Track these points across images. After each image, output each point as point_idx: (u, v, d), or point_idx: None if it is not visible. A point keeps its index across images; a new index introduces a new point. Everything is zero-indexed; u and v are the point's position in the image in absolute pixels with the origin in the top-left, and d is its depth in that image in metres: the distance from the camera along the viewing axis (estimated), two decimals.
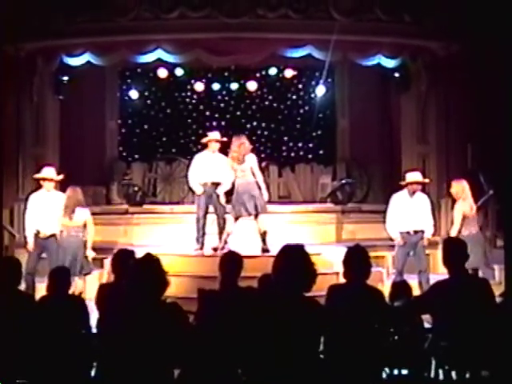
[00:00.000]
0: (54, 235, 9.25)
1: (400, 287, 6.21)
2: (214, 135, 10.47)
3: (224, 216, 10.24)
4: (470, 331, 5.15)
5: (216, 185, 10.20)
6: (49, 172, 9.48)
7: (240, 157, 9.70)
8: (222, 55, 11.75)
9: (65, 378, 5.38)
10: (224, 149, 10.33)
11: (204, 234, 10.24)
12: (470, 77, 11.27)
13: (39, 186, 9.52)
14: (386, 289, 7.98)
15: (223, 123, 14.51)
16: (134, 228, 10.50)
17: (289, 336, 3.87)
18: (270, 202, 10.80)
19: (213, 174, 10.22)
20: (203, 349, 5.01)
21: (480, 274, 8.69)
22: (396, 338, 5.52)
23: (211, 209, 10.28)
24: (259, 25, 11.06)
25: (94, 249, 9.31)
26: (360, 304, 5.12)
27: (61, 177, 9.58)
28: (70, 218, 9.07)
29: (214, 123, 14.46)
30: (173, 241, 11.13)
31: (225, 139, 10.43)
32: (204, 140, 10.49)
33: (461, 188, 9.24)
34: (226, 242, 9.88)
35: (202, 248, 10.20)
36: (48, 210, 9.25)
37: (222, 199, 10.25)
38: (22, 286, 6.18)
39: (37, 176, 9.49)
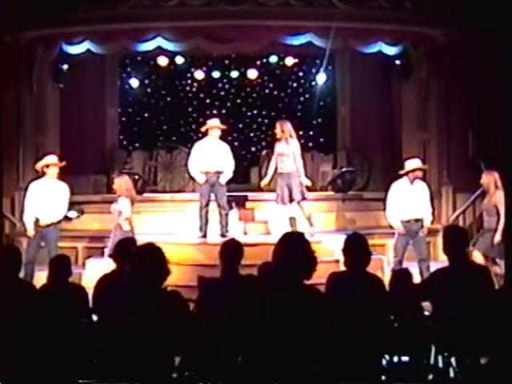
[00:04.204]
0: (53, 224, 9.26)
1: (401, 275, 6.20)
2: (214, 122, 10.44)
3: (226, 204, 10.23)
4: (469, 318, 5.16)
5: (219, 173, 10.18)
6: (53, 158, 9.48)
7: None
8: (222, 43, 11.70)
9: (65, 366, 5.39)
10: (224, 136, 10.31)
11: (207, 222, 10.23)
12: (471, 64, 11.24)
13: (39, 176, 9.49)
14: (386, 276, 8.03)
15: (223, 111, 14.47)
16: (135, 216, 10.48)
17: (289, 324, 3.87)
18: (270, 191, 10.82)
19: (215, 162, 10.17)
20: (203, 337, 5.02)
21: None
22: (396, 325, 5.53)
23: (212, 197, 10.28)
24: (260, 12, 11.01)
25: (94, 238, 9.24)
26: (360, 291, 5.13)
27: (64, 163, 9.57)
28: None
29: (215, 111, 14.42)
30: (173, 229, 11.13)
31: (224, 127, 10.42)
32: (204, 128, 10.47)
33: (492, 179, 9.17)
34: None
35: (205, 236, 10.19)
36: (49, 199, 9.25)
37: (224, 188, 10.24)
38: (21, 275, 6.18)
39: (42, 163, 9.42)
